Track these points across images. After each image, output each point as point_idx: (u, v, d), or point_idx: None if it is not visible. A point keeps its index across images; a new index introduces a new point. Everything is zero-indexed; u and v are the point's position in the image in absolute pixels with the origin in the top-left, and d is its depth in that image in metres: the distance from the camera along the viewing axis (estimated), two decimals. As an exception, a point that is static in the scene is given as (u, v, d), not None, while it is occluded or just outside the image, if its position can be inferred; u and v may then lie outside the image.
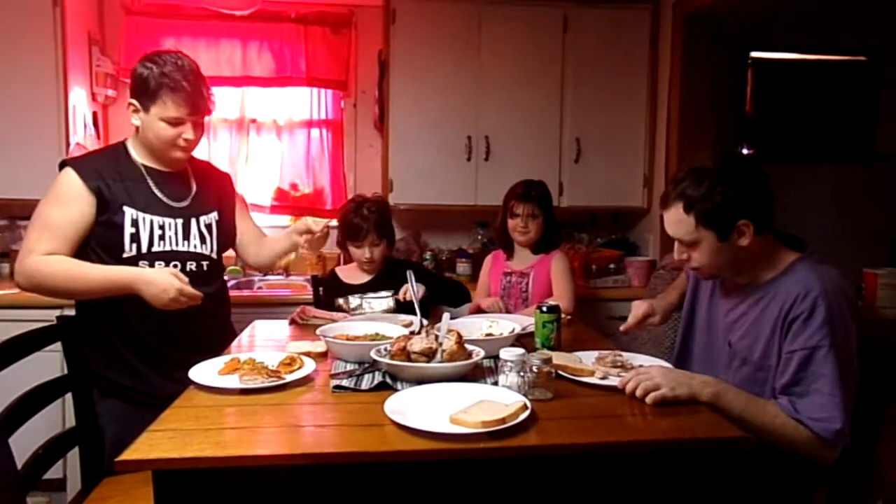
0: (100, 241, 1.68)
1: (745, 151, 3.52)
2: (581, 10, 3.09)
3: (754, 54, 3.48)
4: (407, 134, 3.07)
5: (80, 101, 2.94)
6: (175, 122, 1.69)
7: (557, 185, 3.13)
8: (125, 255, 1.68)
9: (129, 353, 1.73)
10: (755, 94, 3.50)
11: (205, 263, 1.80)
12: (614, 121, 3.18)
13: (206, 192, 1.85)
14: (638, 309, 1.74)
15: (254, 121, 3.39)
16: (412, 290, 1.97)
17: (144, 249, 1.70)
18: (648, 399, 1.33)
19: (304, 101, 3.39)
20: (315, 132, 3.42)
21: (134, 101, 1.70)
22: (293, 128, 3.42)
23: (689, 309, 1.72)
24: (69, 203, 1.65)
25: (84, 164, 1.70)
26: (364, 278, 2.33)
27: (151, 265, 1.70)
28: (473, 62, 3.07)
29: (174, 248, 1.74)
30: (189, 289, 1.60)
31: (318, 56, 3.28)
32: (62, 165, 1.72)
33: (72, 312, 1.83)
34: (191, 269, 1.77)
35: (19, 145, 2.79)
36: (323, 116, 3.43)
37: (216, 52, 3.21)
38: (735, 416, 1.33)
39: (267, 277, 3.25)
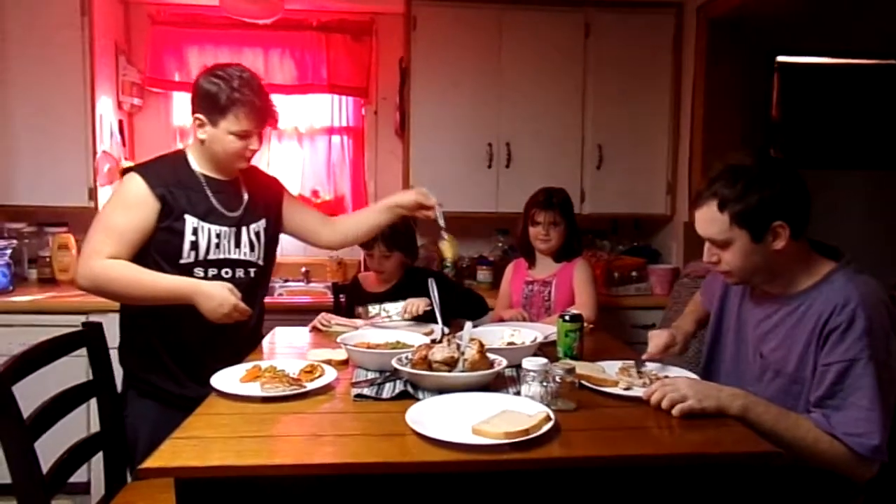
0: (159, 247, 1.72)
1: (771, 157, 3.46)
2: (603, 15, 3.07)
3: (780, 59, 3.42)
4: (428, 141, 3.07)
5: (106, 109, 2.99)
6: (243, 135, 1.73)
7: (579, 191, 3.10)
8: (182, 261, 1.72)
9: (169, 358, 1.77)
10: (781, 99, 3.44)
11: (252, 270, 1.83)
12: (637, 127, 3.15)
13: (256, 199, 1.87)
14: (659, 339, 1.67)
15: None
16: (434, 298, 1.95)
17: (202, 257, 1.74)
18: (675, 411, 1.30)
19: (326, 108, 3.41)
20: (336, 139, 3.44)
21: (201, 116, 1.73)
22: (314, 135, 3.44)
23: (716, 319, 1.68)
24: (134, 208, 1.69)
25: (150, 171, 1.74)
26: (384, 286, 2.33)
27: (206, 271, 1.74)
28: (494, 68, 3.06)
29: (227, 255, 1.77)
30: (242, 304, 1.65)
31: (340, 63, 3.30)
32: (126, 171, 1.77)
33: (97, 318, 1.85)
34: (239, 277, 1.80)
35: (47, 153, 2.85)
36: (344, 123, 3.45)
37: (239, 60, 3.20)
38: (766, 430, 1.29)
39: (287, 284, 3.26)
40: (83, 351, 1.72)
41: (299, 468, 1.11)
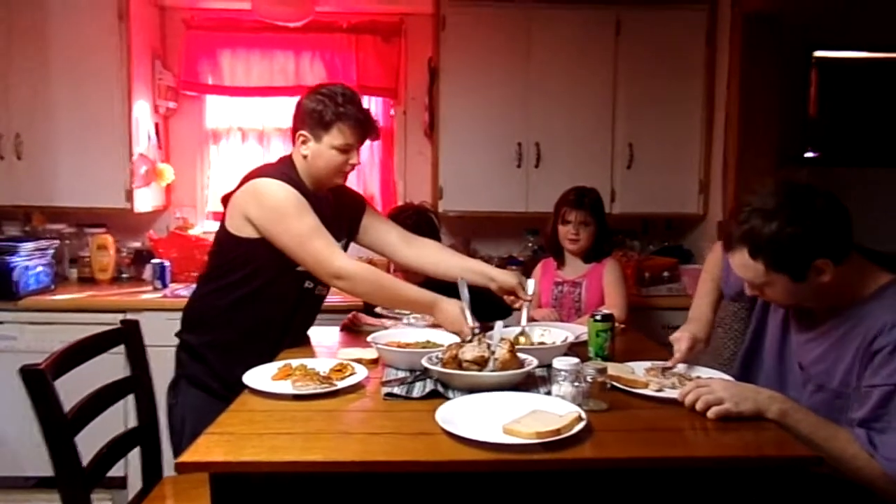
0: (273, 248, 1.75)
1: (809, 155, 3.37)
2: (634, 12, 3.03)
3: (818, 54, 3.33)
4: (457, 141, 3.07)
5: (143, 113, 3.06)
6: (345, 149, 1.77)
7: (609, 191, 3.06)
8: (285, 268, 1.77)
9: (216, 357, 1.80)
10: (820, 96, 3.35)
11: (320, 286, 1.87)
12: (668, 125, 3.10)
13: (339, 219, 1.90)
14: (681, 343, 1.60)
15: (306, 129, 3.45)
16: (464, 298, 1.94)
17: (288, 267, 1.77)
18: (710, 413, 1.27)
19: (355, 110, 3.43)
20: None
21: (305, 133, 1.77)
22: (344, 136, 3.47)
23: (757, 323, 1.61)
24: (306, 207, 1.73)
25: (282, 176, 1.75)
26: (411, 286, 2.32)
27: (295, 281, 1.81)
28: (523, 68, 3.04)
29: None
30: (467, 328, 1.68)
31: (369, 64, 3.32)
32: (252, 179, 1.76)
33: (134, 317, 1.89)
34: (320, 292, 1.88)
35: (86, 156, 2.93)
36: (373, 124, 3.46)
37: (270, 63, 3.28)
38: (802, 437, 1.25)
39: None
40: (121, 348, 1.76)
41: (330, 465, 1.12)
